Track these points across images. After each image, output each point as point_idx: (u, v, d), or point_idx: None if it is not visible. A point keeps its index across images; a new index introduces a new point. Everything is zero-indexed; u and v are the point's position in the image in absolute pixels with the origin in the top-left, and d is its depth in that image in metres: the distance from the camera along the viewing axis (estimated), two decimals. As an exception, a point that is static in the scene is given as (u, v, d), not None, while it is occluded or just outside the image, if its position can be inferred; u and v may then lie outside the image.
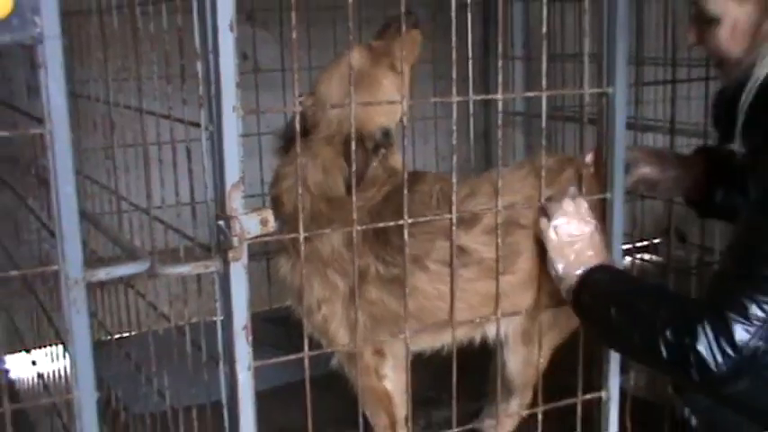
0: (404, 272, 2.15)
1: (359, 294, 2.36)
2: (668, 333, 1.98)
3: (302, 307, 2.54)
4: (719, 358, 1.91)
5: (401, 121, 2.29)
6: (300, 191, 2.02)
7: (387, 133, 2.45)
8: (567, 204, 2.31)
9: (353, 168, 2.22)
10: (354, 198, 2.13)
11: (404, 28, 2.46)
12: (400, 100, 2.33)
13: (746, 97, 2.06)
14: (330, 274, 2.46)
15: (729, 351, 1.91)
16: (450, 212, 2.16)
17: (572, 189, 2.34)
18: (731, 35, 2.11)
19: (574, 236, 2.29)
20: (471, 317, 2.38)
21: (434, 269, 2.41)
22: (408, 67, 2.52)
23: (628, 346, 2.15)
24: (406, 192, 2.06)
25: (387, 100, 2.47)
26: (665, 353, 1.98)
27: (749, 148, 2.10)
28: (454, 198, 2.14)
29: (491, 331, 2.58)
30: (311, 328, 2.53)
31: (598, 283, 2.24)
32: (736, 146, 2.12)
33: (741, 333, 1.90)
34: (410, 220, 2.07)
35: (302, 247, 2.00)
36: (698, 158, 2.58)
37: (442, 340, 2.57)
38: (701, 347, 1.92)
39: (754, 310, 1.90)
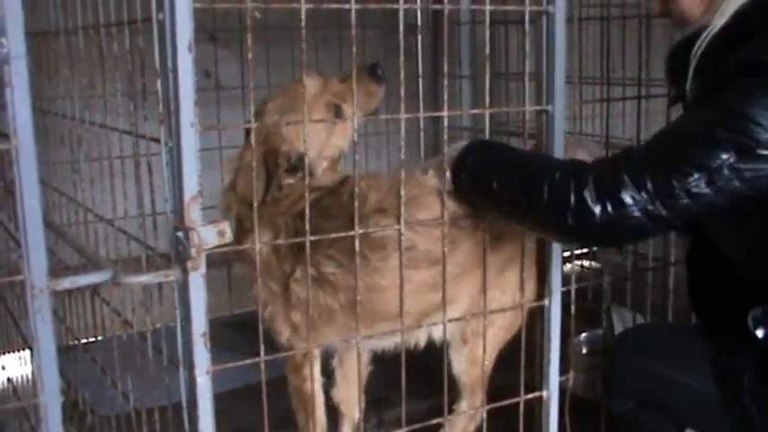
0: (354, 272, 2.12)
1: (290, 296, 2.38)
2: (557, 175, 1.93)
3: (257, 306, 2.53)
4: (598, 208, 1.86)
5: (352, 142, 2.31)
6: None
7: (301, 158, 2.38)
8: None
9: (261, 181, 2.23)
10: (255, 206, 2.07)
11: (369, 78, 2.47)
12: (326, 138, 2.40)
13: (700, 44, 2.07)
14: (265, 278, 2.44)
15: (609, 206, 1.86)
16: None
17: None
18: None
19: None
20: (409, 307, 2.31)
21: (372, 262, 2.34)
22: (358, 114, 2.49)
23: (510, 197, 2.05)
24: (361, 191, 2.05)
25: (314, 124, 2.42)
26: (546, 194, 1.92)
27: (695, 94, 2.10)
28: (402, 191, 2.13)
29: (436, 332, 2.57)
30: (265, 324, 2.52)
31: (477, 152, 2.18)
32: (688, 89, 2.11)
33: (627, 195, 1.86)
34: (361, 231, 2.07)
35: (257, 250, 1.99)
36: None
37: (388, 339, 2.53)
38: (586, 192, 1.87)
39: (648, 183, 1.86)
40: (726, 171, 1.85)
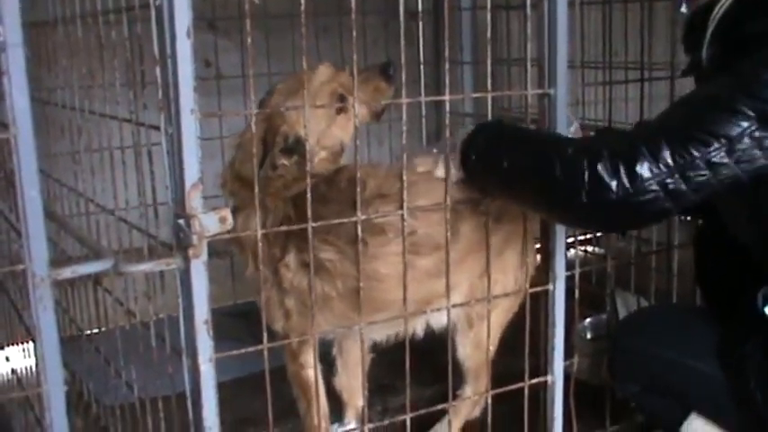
0: (353, 259, 2.11)
1: (284, 283, 2.35)
2: (569, 150, 1.86)
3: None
4: (613, 183, 1.78)
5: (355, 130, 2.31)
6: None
7: (299, 141, 2.37)
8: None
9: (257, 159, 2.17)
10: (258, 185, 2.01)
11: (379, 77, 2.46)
12: (326, 127, 2.39)
13: (719, 8, 2.03)
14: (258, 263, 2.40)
15: (626, 180, 1.78)
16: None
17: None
18: None
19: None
20: (411, 295, 2.25)
21: (372, 248, 2.32)
22: (364, 110, 2.48)
23: (521, 176, 1.98)
24: (359, 188, 2.04)
25: (315, 108, 2.39)
26: (558, 171, 1.85)
27: (711, 59, 2.06)
28: (405, 188, 2.13)
29: (436, 320, 2.57)
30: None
31: (485, 135, 2.13)
32: (704, 55, 2.07)
33: (644, 168, 1.79)
34: (363, 217, 2.06)
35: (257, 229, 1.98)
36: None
37: (390, 327, 2.52)
38: (600, 167, 1.79)
39: (666, 154, 1.79)
40: (747, 140, 1.80)
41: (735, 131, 1.80)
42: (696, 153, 1.80)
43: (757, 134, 1.80)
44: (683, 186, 1.81)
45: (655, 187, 1.80)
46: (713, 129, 1.81)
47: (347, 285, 2.33)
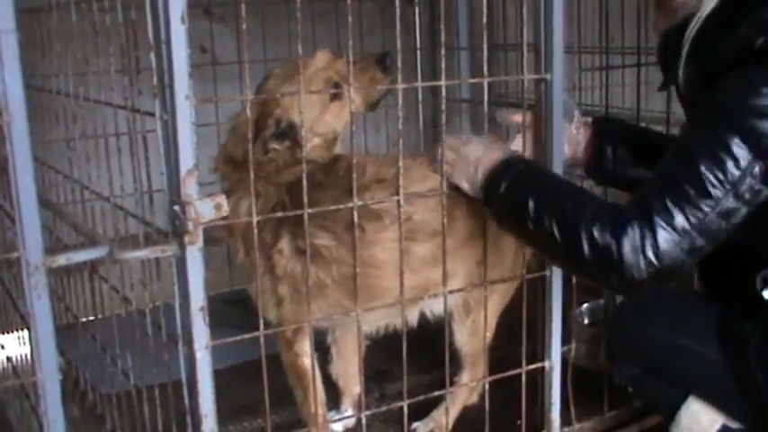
0: (349, 245, 2.11)
1: (276, 269, 2.33)
2: (594, 230, 1.90)
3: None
4: (642, 264, 1.85)
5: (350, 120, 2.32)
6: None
7: (292, 126, 2.34)
8: (450, 141, 2.27)
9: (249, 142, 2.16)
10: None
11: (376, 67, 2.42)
12: (319, 114, 2.37)
13: (692, 28, 2.05)
14: (249, 249, 2.36)
15: (653, 258, 1.85)
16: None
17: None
18: None
19: (465, 155, 2.22)
20: (407, 282, 2.26)
21: (368, 234, 2.30)
22: (359, 99, 2.45)
23: (547, 243, 2.02)
24: (354, 176, 2.04)
25: (310, 94, 2.36)
26: (587, 251, 1.90)
27: (688, 78, 2.09)
28: (401, 180, 2.12)
29: (432, 308, 2.56)
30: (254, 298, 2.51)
31: (510, 177, 2.11)
32: (680, 74, 2.10)
33: (665, 241, 1.85)
34: (360, 202, 2.06)
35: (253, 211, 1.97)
36: (591, 124, 2.52)
37: (384, 316, 2.48)
38: (627, 250, 1.86)
39: (680, 219, 1.85)
40: (748, 179, 1.85)
41: (736, 175, 1.85)
42: (707, 209, 1.86)
43: (756, 170, 1.85)
44: (703, 242, 1.88)
45: (679, 255, 1.87)
46: (716, 180, 1.85)
47: (342, 272, 2.31)
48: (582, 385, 2.58)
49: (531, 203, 2.01)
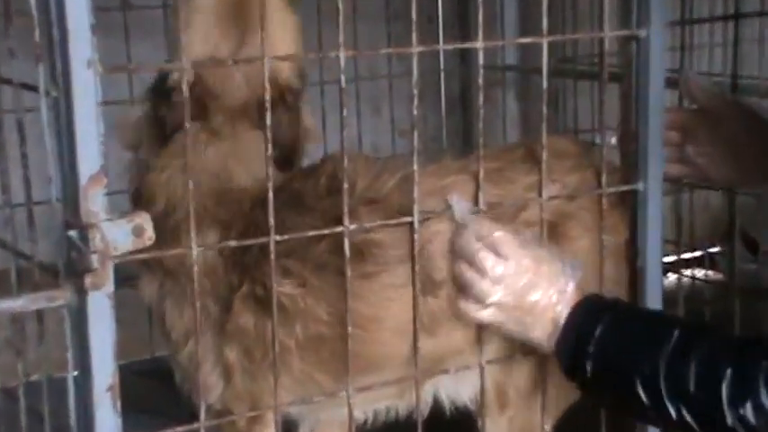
0: (319, 293, 2.17)
1: (226, 322, 2.39)
2: (746, 412, 2.02)
3: (170, 343, 2.55)
4: None
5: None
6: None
7: (301, 74, 2.42)
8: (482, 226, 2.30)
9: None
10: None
11: None
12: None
13: None
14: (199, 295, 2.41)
15: None
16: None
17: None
18: None
19: (515, 293, 2.24)
20: (397, 345, 2.34)
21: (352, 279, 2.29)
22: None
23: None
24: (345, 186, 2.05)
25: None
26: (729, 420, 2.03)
27: None
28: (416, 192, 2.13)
29: (450, 389, 2.57)
30: (179, 372, 2.54)
31: (595, 342, 2.19)
32: None
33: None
34: (352, 226, 2.08)
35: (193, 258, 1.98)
36: None
37: (381, 395, 2.50)
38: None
39: None
40: None
41: None
42: None
43: None
44: None
45: None
46: None
47: (310, 332, 2.36)
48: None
49: (638, 388, 2.11)
